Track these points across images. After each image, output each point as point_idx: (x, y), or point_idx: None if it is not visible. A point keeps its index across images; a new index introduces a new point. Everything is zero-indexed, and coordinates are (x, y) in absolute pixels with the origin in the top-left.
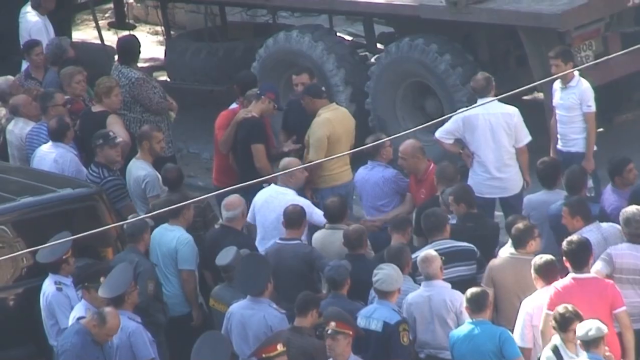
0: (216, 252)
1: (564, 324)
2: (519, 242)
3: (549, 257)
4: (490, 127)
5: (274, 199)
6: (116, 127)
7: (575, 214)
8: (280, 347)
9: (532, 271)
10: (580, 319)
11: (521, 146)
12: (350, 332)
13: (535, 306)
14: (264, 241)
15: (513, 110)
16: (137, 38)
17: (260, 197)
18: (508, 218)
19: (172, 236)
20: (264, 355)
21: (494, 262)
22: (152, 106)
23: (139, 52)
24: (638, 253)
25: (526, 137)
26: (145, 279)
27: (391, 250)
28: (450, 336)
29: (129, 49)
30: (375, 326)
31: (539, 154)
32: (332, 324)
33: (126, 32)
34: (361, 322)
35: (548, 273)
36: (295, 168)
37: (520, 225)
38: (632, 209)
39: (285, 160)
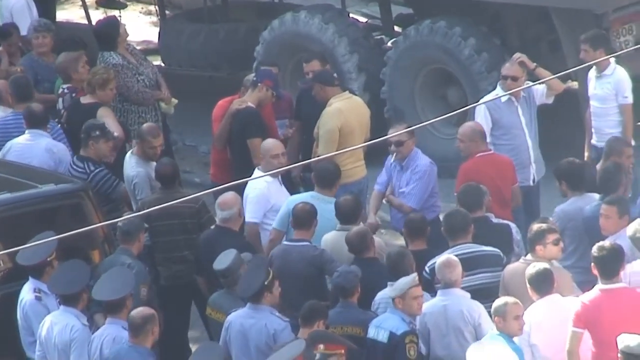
0: (211, 255)
1: None
2: (529, 245)
3: (542, 265)
4: None
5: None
6: (109, 120)
7: (624, 212)
8: None
9: (526, 281)
10: None
11: None
12: (342, 351)
13: (533, 322)
14: None
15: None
16: (117, 20)
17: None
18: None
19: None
20: None
21: (507, 268)
22: (131, 95)
23: (122, 35)
24: None
25: None
26: (138, 282)
27: (391, 256)
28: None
29: (106, 33)
30: (382, 337)
31: (573, 149)
32: (320, 346)
33: (116, 12)
34: (371, 331)
35: (541, 284)
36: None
37: (533, 227)
38: None
39: (268, 142)
